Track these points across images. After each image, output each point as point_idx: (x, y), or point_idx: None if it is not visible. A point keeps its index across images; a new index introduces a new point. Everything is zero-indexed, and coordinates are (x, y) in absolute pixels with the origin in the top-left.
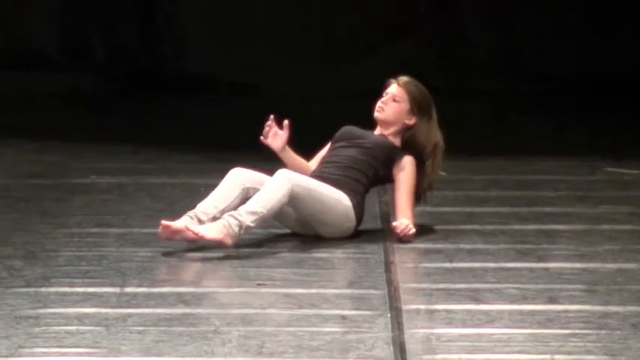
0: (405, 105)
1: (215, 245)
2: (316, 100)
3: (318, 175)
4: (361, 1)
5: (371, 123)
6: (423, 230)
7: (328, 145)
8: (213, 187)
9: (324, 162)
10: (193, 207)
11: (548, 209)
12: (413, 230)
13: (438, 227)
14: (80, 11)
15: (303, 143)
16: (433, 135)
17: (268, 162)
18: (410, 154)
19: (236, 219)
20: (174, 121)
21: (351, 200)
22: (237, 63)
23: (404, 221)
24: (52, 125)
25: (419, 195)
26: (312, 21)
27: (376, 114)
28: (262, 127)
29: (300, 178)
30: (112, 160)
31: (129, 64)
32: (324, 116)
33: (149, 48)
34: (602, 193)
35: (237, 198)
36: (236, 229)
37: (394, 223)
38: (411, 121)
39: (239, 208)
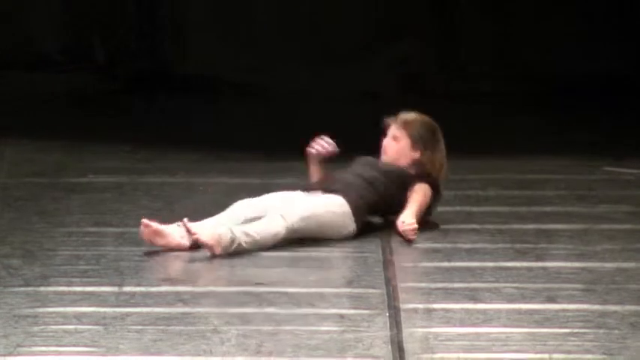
0: (405, 142)
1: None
2: (316, 100)
3: (330, 176)
4: (362, 3)
5: (370, 124)
6: (422, 229)
7: None
8: (211, 185)
9: (342, 173)
10: (192, 206)
11: (547, 208)
12: (415, 226)
13: (436, 226)
14: (81, 12)
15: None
16: (438, 160)
17: (264, 162)
18: (425, 181)
19: (232, 233)
20: (173, 122)
21: (350, 205)
22: (237, 64)
23: (408, 219)
24: (51, 125)
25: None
26: (313, 23)
27: (383, 156)
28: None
29: (295, 212)
30: (110, 159)
31: (129, 65)
32: (324, 116)
33: (149, 49)
34: (601, 192)
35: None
36: (228, 242)
37: (400, 219)
38: (417, 154)
39: (239, 227)
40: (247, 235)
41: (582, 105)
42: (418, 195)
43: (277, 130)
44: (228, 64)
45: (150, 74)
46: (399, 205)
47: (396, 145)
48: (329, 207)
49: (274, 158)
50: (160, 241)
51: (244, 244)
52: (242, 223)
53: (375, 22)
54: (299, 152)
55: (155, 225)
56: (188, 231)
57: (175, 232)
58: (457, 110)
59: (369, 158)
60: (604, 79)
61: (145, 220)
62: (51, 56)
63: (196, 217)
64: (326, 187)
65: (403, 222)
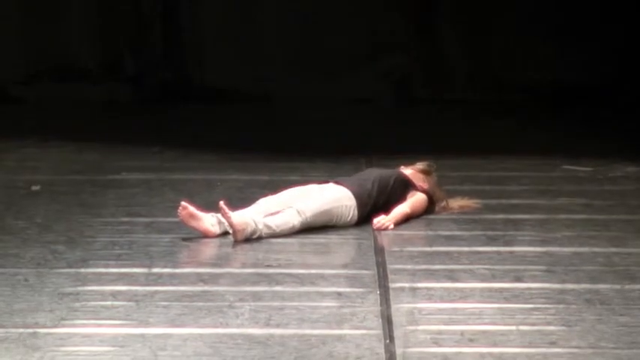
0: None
1: (227, 233)
2: (317, 106)
3: (340, 180)
4: (357, 21)
5: (364, 126)
6: (407, 220)
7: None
8: (227, 182)
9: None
10: (211, 200)
11: (513, 201)
12: (390, 227)
13: (419, 217)
14: (114, 31)
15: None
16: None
17: (272, 162)
18: (425, 192)
19: (255, 225)
20: (194, 126)
21: (357, 199)
22: (247, 75)
23: (383, 218)
24: (89, 129)
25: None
26: (314, 39)
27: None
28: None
29: (309, 207)
30: (140, 159)
31: (156, 77)
32: (324, 120)
33: (173, 63)
34: (560, 187)
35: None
36: (250, 231)
37: (375, 219)
38: (425, 187)
39: (262, 218)
40: (268, 227)
41: (544, 112)
42: (410, 204)
43: (283, 134)
44: (239, 75)
45: (173, 85)
46: (396, 205)
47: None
48: (339, 201)
49: (281, 158)
50: (193, 223)
51: (263, 235)
52: (264, 216)
53: (368, 38)
54: (302, 153)
55: (192, 208)
56: (223, 212)
57: (207, 219)
58: (439, 115)
59: (378, 170)
60: (563, 89)
61: (183, 203)
62: (87, 69)
63: (216, 208)
64: (338, 181)
65: (379, 221)
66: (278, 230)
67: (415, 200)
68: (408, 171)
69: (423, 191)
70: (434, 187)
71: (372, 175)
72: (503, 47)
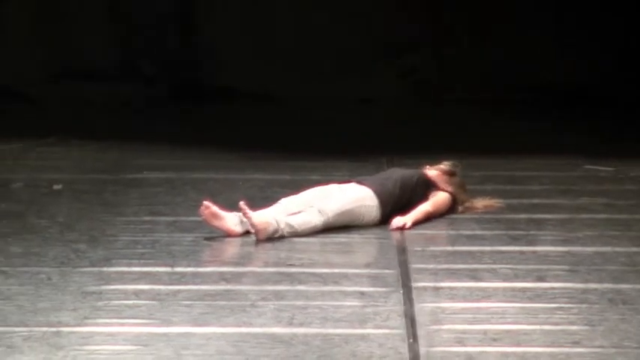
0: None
1: (249, 232)
2: (335, 106)
3: (362, 179)
4: (374, 21)
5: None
6: (429, 219)
7: None
8: (249, 181)
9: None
10: (233, 199)
11: (535, 201)
12: (407, 225)
13: (441, 217)
14: (133, 33)
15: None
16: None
17: (292, 161)
18: (448, 191)
19: (277, 224)
20: (213, 125)
21: (379, 198)
22: (263, 76)
23: (400, 219)
24: (111, 128)
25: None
26: (330, 40)
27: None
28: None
29: (331, 208)
30: (161, 158)
31: (173, 78)
32: (342, 120)
33: (190, 64)
34: (582, 187)
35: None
36: (272, 231)
37: (393, 220)
38: (449, 188)
39: (283, 218)
40: (290, 226)
41: (567, 112)
42: (433, 203)
43: (303, 133)
44: (255, 76)
45: (191, 85)
46: (418, 205)
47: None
48: (361, 201)
49: (302, 158)
50: (215, 223)
51: (285, 234)
52: (286, 215)
53: (388, 37)
54: (323, 153)
55: (214, 208)
56: (244, 212)
57: (230, 219)
58: (459, 115)
59: (400, 170)
60: (585, 89)
61: (206, 202)
62: (108, 70)
63: (236, 207)
64: (360, 180)
65: (395, 222)
66: (300, 230)
67: (437, 199)
68: (432, 172)
69: (446, 190)
70: (458, 188)
71: (394, 174)
72: (523, 46)
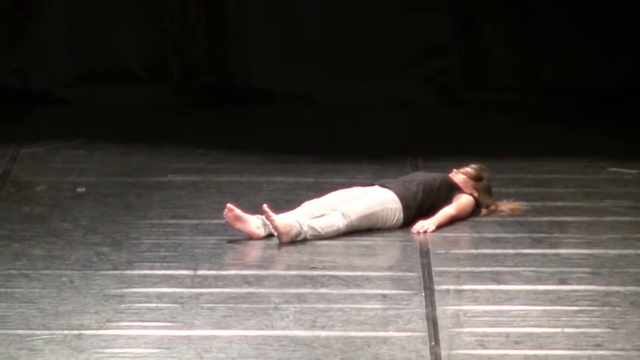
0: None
1: (272, 235)
2: (361, 109)
3: (385, 182)
4: (401, 25)
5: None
6: (452, 222)
7: None
8: (273, 184)
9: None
10: (257, 202)
11: (559, 203)
12: (429, 230)
13: (464, 219)
14: (160, 34)
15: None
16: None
17: (316, 164)
18: (470, 194)
19: (300, 228)
20: (239, 128)
21: (402, 201)
22: (291, 78)
23: (422, 223)
24: (135, 131)
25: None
26: (359, 43)
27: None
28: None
29: (354, 210)
30: (186, 161)
31: (200, 80)
32: (368, 124)
33: (217, 66)
34: (606, 189)
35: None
36: (295, 233)
37: (416, 225)
38: (475, 194)
39: (307, 221)
40: (313, 229)
41: (589, 115)
42: (456, 206)
43: (327, 136)
44: (283, 78)
45: (218, 87)
46: (441, 208)
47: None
48: (384, 204)
49: (326, 160)
50: (239, 226)
51: (308, 237)
52: (309, 218)
53: (413, 40)
54: (347, 155)
55: (237, 211)
56: (267, 215)
57: (253, 222)
58: (483, 118)
59: (423, 173)
60: (609, 91)
61: (229, 205)
62: (134, 72)
63: (261, 210)
64: (383, 183)
65: (418, 228)
66: (323, 232)
67: (461, 202)
68: (459, 176)
69: (470, 193)
70: (484, 192)
71: (418, 177)
72: (548, 49)
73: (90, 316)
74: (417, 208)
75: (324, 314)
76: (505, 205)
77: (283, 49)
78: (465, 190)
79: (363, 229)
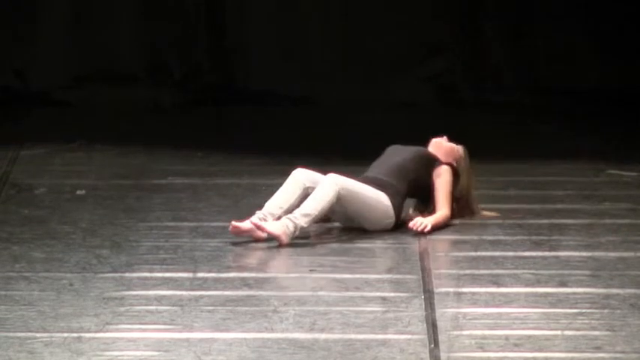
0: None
1: (273, 238)
2: (362, 110)
3: (365, 177)
4: (401, 25)
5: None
6: (452, 224)
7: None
8: (273, 186)
9: (372, 167)
10: (256, 204)
11: (558, 206)
12: (427, 228)
13: (464, 221)
14: (160, 36)
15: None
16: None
17: (322, 165)
18: (447, 164)
19: (292, 221)
20: (239, 130)
21: (391, 200)
22: (292, 79)
23: (420, 219)
24: (134, 133)
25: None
26: (359, 43)
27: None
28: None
29: (347, 181)
30: (185, 163)
31: (201, 81)
32: (369, 124)
33: (218, 67)
34: (605, 192)
35: (298, 197)
36: (292, 229)
37: (410, 223)
38: (454, 163)
39: (295, 212)
40: (306, 215)
41: (588, 116)
42: (446, 200)
43: (328, 137)
44: (285, 79)
45: (218, 88)
46: (426, 189)
47: (447, 146)
48: (377, 196)
49: (326, 162)
50: (245, 233)
51: (305, 225)
52: (302, 190)
53: (414, 41)
54: (348, 157)
55: (241, 226)
56: (259, 229)
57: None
58: (483, 119)
59: (399, 146)
60: (608, 93)
61: (234, 223)
62: (134, 73)
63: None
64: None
65: (414, 224)
66: (317, 212)
67: (441, 183)
68: (436, 140)
69: (448, 163)
70: (465, 167)
71: (391, 164)
72: (548, 50)
73: (89, 318)
74: (402, 198)
75: (323, 317)
76: (482, 210)
77: (283, 49)
78: (442, 158)
79: (354, 215)
